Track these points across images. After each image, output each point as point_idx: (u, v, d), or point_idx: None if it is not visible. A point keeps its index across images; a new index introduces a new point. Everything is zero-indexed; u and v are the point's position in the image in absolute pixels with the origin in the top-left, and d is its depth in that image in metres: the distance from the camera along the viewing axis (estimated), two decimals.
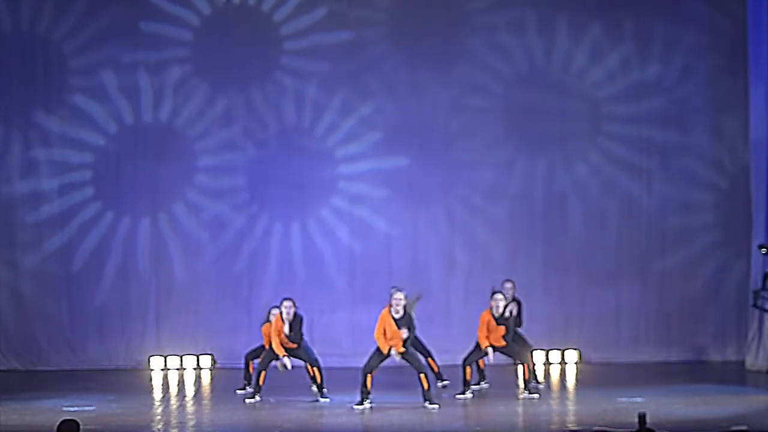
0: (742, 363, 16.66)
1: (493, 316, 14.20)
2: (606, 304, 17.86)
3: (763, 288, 9.78)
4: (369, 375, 13.61)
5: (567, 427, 12.19)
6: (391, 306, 13.60)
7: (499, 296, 14.33)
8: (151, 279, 17.72)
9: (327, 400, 14.09)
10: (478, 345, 14.31)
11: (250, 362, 14.89)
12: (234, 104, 17.82)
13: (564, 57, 17.90)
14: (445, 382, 14.64)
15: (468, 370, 14.36)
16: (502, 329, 14.17)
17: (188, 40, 17.88)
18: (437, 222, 17.91)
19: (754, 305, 9.88)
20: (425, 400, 13.52)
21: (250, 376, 14.74)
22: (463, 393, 14.33)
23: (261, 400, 14.08)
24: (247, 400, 14.14)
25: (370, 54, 17.85)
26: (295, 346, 14.10)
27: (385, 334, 13.61)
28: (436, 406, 13.46)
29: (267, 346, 14.33)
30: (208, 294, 17.78)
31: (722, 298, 17.75)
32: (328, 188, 17.91)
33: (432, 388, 13.76)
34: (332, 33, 17.81)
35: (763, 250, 10.13)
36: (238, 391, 14.74)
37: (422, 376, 13.55)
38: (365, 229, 17.88)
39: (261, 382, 14.18)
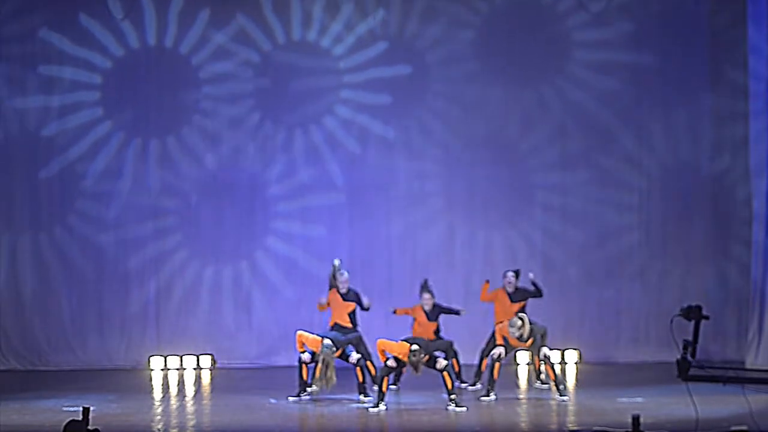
0: (742, 363, 16.64)
1: (507, 293, 14.94)
2: (606, 304, 17.86)
3: (684, 358, 9.29)
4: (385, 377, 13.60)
5: (567, 427, 12.19)
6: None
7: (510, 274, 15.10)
8: (152, 278, 17.72)
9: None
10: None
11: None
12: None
13: None
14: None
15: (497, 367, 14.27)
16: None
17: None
18: (437, 220, 17.91)
19: (683, 378, 9.24)
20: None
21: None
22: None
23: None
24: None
25: None
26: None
27: None
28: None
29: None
30: (208, 294, 17.77)
31: (722, 297, 17.75)
32: (328, 187, 17.93)
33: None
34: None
35: (678, 315, 9.31)
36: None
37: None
38: (365, 228, 17.87)
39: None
